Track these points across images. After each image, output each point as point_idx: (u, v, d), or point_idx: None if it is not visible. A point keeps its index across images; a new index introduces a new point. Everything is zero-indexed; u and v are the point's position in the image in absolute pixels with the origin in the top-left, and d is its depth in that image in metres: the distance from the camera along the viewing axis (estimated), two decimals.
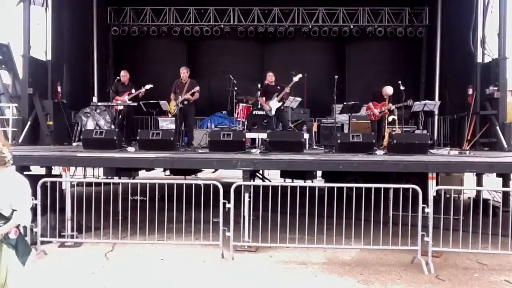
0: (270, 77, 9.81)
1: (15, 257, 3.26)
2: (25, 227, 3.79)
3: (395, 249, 5.82)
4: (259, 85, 11.52)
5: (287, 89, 9.52)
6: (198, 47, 14.75)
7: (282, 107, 9.79)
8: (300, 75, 9.44)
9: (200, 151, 8.52)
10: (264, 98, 9.81)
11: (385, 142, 9.38)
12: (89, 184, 8.15)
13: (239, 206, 6.00)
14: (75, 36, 12.47)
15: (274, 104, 9.61)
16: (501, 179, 8.38)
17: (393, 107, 9.40)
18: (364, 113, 10.16)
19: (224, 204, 5.69)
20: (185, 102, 9.07)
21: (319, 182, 9.26)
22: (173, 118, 9.61)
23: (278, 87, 9.65)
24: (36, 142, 10.33)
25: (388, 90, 9.63)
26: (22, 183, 3.37)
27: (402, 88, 9.14)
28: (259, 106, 10.83)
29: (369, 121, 10.18)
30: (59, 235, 6.32)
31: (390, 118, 10.06)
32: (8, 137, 10.57)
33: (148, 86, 9.53)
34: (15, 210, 3.27)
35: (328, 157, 7.57)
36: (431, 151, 8.59)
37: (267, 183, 8.21)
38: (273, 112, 9.66)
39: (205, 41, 14.48)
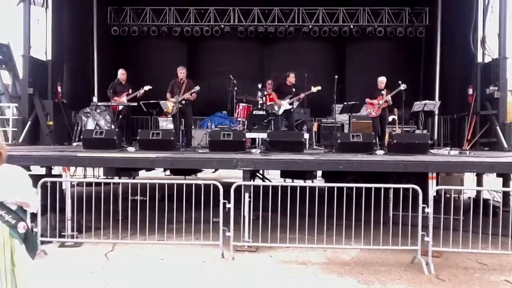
0: (292, 78, 9.74)
1: (24, 251, 3.29)
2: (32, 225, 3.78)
3: (395, 249, 5.82)
4: (259, 85, 11.51)
5: (302, 95, 9.61)
6: (198, 47, 14.75)
7: (292, 110, 9.87)
8: (319, 87, 9.50)
9: (200, 151, 8.52)
10: (276, 94, 9.81)
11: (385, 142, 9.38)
12: (89, 184, 8.14)
13: (239, 206, 6.00)
14: (75, 36, 12.46)
15: (284, 105, 9.65)
16: (501, 179, 8.37)
17: (389, 96, 9.36)
18: (365, 112, 10.14)
19: (224, 204, 5.69)
20: (183, 102, 9.07)
21: (319, 182, 9.28)
22: (171, 118, 9.59)
23: (293, 90, 9.68)
24: (36, 142, 10.32)
25: (382, 79, 9.61)
26: (19, 171, 3.39)
27: (403, 87, 9.12)
28: (259, 106, 10.83)
29: (369, 121, 10.15)
30: (59, 235, 6.33)
31: (390, 118, 10.05)
32: (8, 137, 10.58)
33: (146, 88, 9.48)
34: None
35: (328, 157, 7.57)
36: (431, 151, 8.58)
37: (267, 183, 8.22)
38: (281, 112, 9.70)
39: (205, 41, 14.49)
